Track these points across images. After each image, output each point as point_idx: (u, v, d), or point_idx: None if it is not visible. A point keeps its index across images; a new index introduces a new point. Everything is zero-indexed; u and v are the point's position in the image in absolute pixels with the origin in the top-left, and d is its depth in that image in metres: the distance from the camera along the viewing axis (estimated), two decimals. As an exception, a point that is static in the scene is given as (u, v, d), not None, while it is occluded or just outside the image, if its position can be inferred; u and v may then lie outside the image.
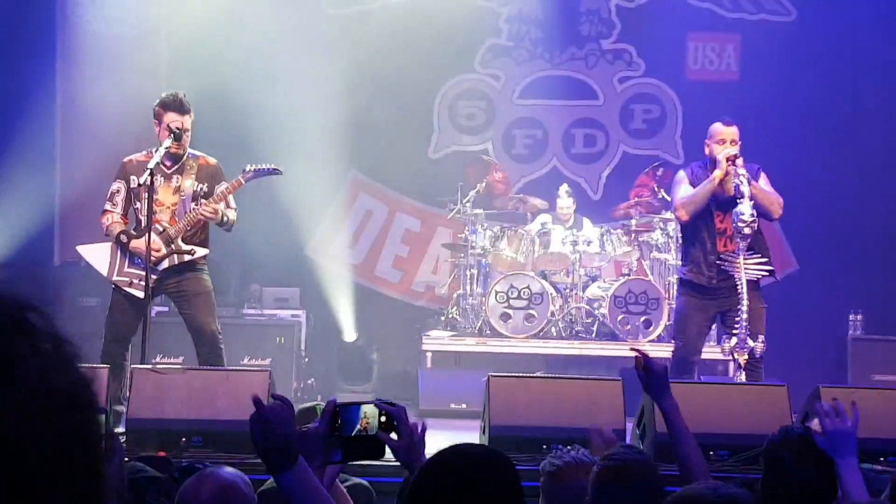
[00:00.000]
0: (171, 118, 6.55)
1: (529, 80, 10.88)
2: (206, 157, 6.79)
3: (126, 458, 3.66)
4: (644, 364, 3.65)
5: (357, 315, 10.34)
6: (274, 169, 6.85)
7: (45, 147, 10.23)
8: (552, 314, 9.35)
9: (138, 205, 6.64)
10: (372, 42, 10.59)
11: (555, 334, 9.45)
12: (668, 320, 8.86)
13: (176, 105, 6.56)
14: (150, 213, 6.44)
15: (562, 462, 3.20)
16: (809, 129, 10.20)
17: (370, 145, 10.64)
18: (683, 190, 6.78)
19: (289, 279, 10.08)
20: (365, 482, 4.09)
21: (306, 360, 9.57)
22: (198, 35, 10.36)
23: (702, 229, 6.74)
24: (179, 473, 3.34)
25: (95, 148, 9.76)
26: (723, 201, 6.67)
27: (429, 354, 9.31)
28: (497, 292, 9.29)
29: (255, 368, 8.25)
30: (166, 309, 8.72)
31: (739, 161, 6.54)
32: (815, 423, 3.40)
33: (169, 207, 6.65)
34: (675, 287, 8.21)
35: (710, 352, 8.59)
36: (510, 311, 9.29)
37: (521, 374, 6.56)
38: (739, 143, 6.67)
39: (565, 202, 9.79)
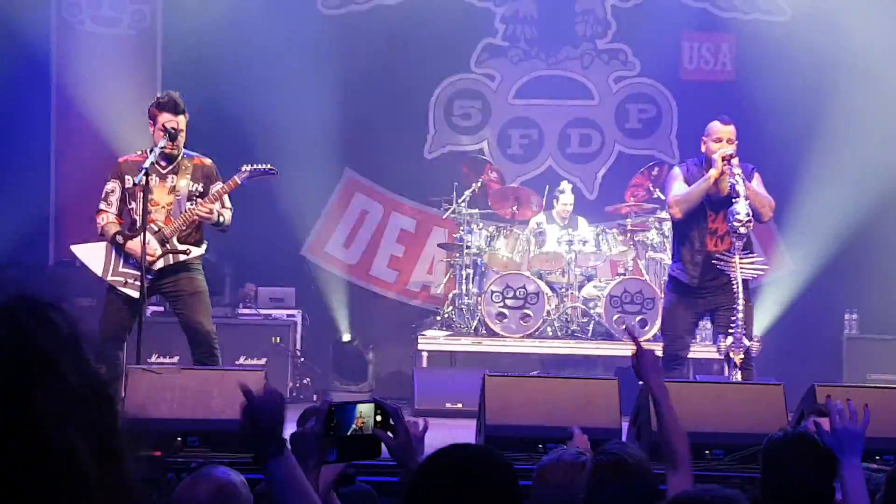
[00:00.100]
0: (166, 118, 6.55)
1: (525, 79, 10.89)
2: (200, 157, 6.78)
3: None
4: (636, 349, 3.61)
5: (352, 315, 10.34)
6: (269, 169, 6.84)
7: (41, 147, 10.23)
8: (548, 314, 9.35)
9: (133, 204, 6.63)
10: (367, 42, 10.59)
11: (550, 334, 9.45)
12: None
13: (171, 105, 6.56)
14: (146, 212, 6.43)
15: (545, 461, 3.20)
16: (804, 129, 10.20)
17: (365, 145, 10.64)
18: (678, 187, 6.78)
19: (284, 279, 10.08)
20: (368, 487, 4.08)
21: (302, 359, 9.57)
22: (193, 36, 10.35)
23: (692, 228, 6.74)
24: (174, 474, 3.34)
25: (90, 148, 9.76)
26: (716, 201, 6.67)
27: (424, 354, 9.31)
28: (493, 292, 9.29)
29: (251, 368, 8.24)
30: (161, 309, 8.72)
31: (735, 161, 6.55)
32: (810, 423, 3.40)
33: (164, 207, 6.65)
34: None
35: (705, 351, 8.61)
36: (506, 311, 9.29)
37: (516, 374, 6.56)
38: (736, 142, 6.67)
39: (568, 198, 9.77)
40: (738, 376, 6.47)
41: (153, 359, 8.20)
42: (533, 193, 9.89)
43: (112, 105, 9.71)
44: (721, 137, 6.65)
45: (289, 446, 2.47)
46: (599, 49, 10.87)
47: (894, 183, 10.12)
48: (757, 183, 6.74)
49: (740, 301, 6.46)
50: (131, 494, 0.85)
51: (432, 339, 9.41)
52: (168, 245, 6.60)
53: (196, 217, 6.61)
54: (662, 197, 8.46)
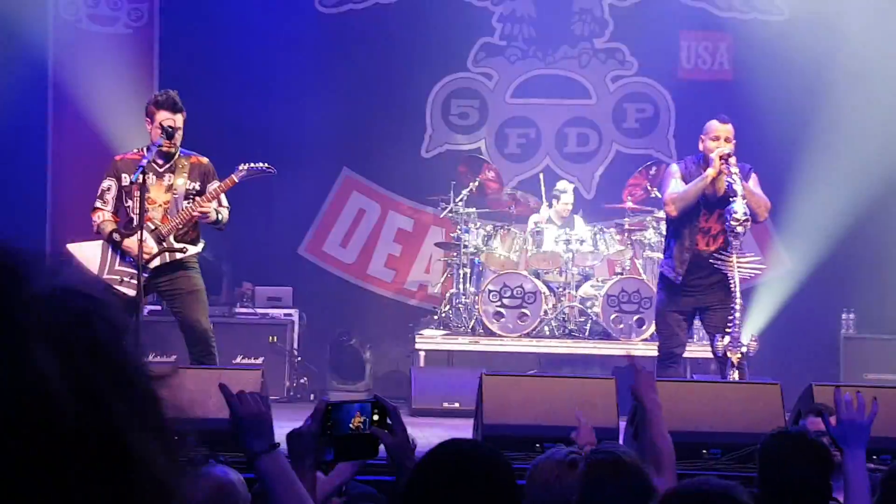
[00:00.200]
0: (164, 116, 6.54)
1: (522, 79, 10.88)
2: (197, 155, 6.78)
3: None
4: (632, 363, 3.69)
5: (350, 314, 10.33)
6: (267, 168, 6.84)
7: (37, 145, 10.22)
8: (545, 313, 9.35)
9: (129, 203, 6.62)
10: (365, 40, 10.59)
11: (548, 333, 9.45)
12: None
13: (169, 103, 6.56)
14: (143, 211, 6.43)
15: (536, 461, 3.20)
16: (801, 128, 10.21)
17: (362, 144, 10.63)
18: (675, 185, 6.78)
19: (281, 278, 10.07)
20: (374, 491, 4.07)
21: (299, 359, 9.56)
22: (190, 34, 10.35)
23: (685, 226, 6.74)
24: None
25: (87, 146, 9.75)
26: (712, 201, 6.67)
27: (422, 353, 9.31)
28: (490, 291, 9.29)
29: (248, 367, 8.24)
30: (159, 308, 8.71)
31: (732, 160, 6.55)
32: (808, 422, 3.40)
33: (161, 206, 6.64)
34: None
35: (702, 350, 8.61)
36: (503, 310, 9.29)
37: (514, 373, 6.56)
38: (734, 141, 6.67)
39: (569, 198, 9.77)
40: (736, 375, 6.48)
41: (150, 358, 8.19)
42: (531, 196, 9.90)
43: (109, 103, 9.70)
44: (719, 136, 6.65)
45: (284, 445, 2.47)
46: (597, 48, 10.87)
47: (892, 182, 10.13)
48: (754, 183, 6.75)
49: (737, 300, 6.47)
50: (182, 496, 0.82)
51: (429, 339, 9.41)
52: (165, 243, 6.60)
53: (193, 215, 6.60)
54: (659, 196, 8.46)
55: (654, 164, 9.68)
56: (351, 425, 2.73)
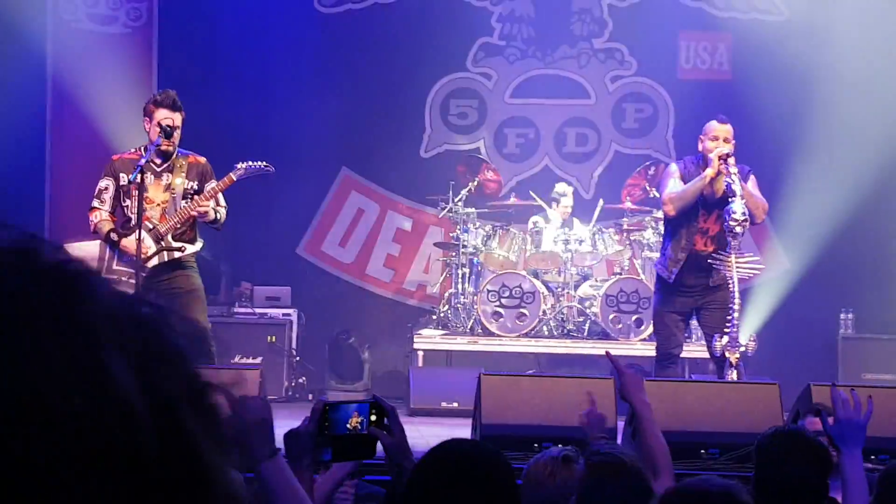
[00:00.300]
0: (163, 115, 6.54)
1: (521, 79, 10.88)
2: (195, 155, 6.78)
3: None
4: (614, 365, 3.68)
5: (348, 314, 10.33)
6: (265, 167, 6.84)
7: (36, 144, 10.21)
8: (544, 313, 9.35)
9: (127, 202, 6.62)
10: (364, 40, 10.59)
11: (546, 333, 9.45)
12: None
13: (168, 102, 6.56)
14: (141, 210, 6.42)
15: (532, 460, 3.20)
16: (800, 128, 10.21)
17: (361, 144, 10.63)
18: (673, 184, 6.77)
19: (280, 278, 10.07)
20: (383, 492, 4.06)
21: (297, 358, 9.56)
22: (189, 33, 10.34)
23: (682, 225, 6.74)
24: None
25: (85, 145, 9.74)
26: (710, 202, 6.67)
27: (420, 353, 9.30)
28: (489, 291, 9.29)
29: (246, 367, 8.23)
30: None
31: (731, 160, 6.55)
32: (806, 422, 3.39)
33: (159, 205, 6.64)
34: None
35: (701, 351, 8.60)
36: (502, 310, 9.29)
37: (512, 373, 6.55)
38: (733, 141, 6.67)
39: (570, 201, 9.77)
40: (734, 375, 6.48)
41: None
42: (530, 199, 9.90)
43: (108, 103, 9.70)
44: (718, 136, 6.65)
45: (282, 447, 2.47)
46: (596, 48, 10.86)
47: (890, 182, 10.13)
48: (752, 185, 6.75)
49: (736, 300, 6.47)
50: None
51: (428, 339, 9.41)
52: (163, 242, 6.60)
53: (191, 214, 6.60)
54: (658, 196, 8.46)
55: (653, 165, 9.68)
56: (348, 425, 2.73)
